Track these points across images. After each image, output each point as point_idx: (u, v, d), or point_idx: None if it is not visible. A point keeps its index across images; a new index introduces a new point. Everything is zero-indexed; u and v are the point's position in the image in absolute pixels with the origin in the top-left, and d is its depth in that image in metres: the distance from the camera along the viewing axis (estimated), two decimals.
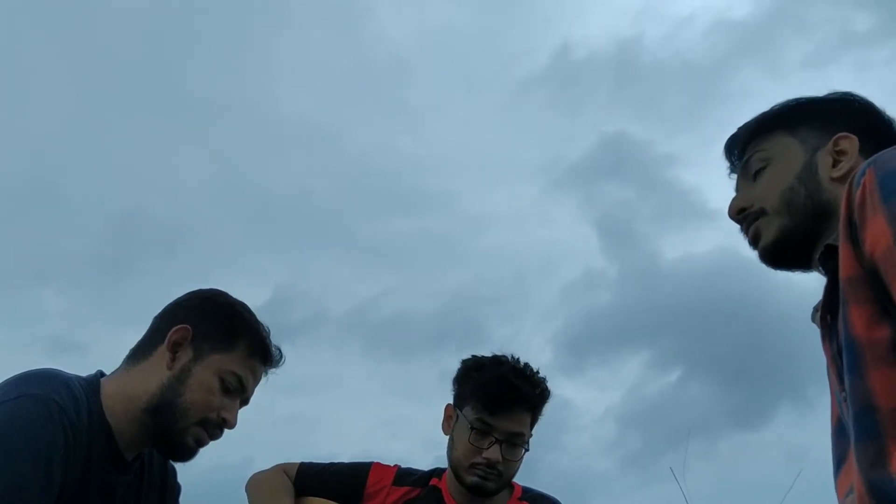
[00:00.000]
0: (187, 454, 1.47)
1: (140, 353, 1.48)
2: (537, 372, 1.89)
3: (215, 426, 1.47)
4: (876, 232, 0.88)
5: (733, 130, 1.30)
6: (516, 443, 1.83)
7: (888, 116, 1.22)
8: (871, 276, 0.89)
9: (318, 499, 1.90)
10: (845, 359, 0.92)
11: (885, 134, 1.19)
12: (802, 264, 1.18)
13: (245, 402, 1.54)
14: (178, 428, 1.43)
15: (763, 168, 1.22)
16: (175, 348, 1.45)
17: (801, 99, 1.25)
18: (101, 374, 1.49)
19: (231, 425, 1.49)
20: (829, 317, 1.03)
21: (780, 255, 1.18)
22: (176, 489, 1.64)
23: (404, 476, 1.95)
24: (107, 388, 1.44)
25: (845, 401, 0.94)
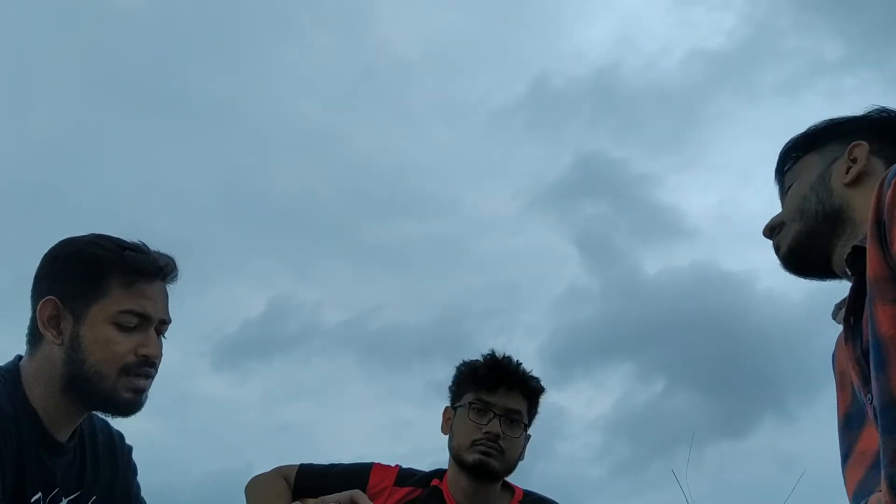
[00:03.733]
0: (130, 407, 1.40)
1: (32, 336, 1.40)
2: (531, 371, 1.98)
3: (141, 366, 1.38)
4: None
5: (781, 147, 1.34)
6: (514, 419, 1.90)
7: None
8: None
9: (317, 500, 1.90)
10: (872, 357, 0.93)
11: None
12: (822, 270, 1.21)
13: (163, 323, 1.44)
14: (104, 389, 1.36)
15: (790, 186, 1.27)
16: (53, 322, 1.37)
17: (832, 119, 1.29)
18: (20, 357, 1.42)
19: (154, 357, 1.39)
20: (852, 318, 1.04)
21: (797, 260, 1.23)
22: (131, 468, 1.58)
23: (406, 477, 1.95)
24: (24, 374, 1.38)
25: (871, 402, 0.94)
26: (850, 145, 1.20)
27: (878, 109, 1.28)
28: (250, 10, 10.05)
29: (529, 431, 1.97)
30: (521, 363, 1.96)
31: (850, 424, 1.09)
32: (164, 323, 1.44)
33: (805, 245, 1.20)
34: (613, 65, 9.91)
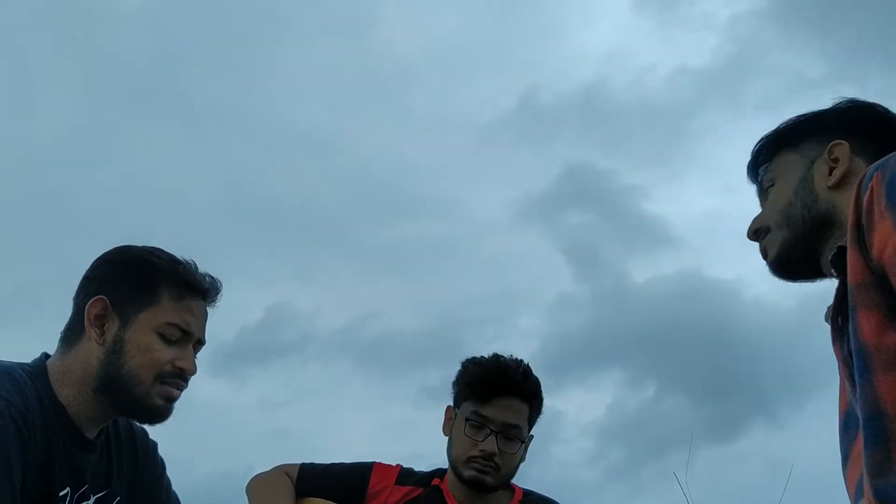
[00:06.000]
0: (160, 414, 1.42)
1: (71, 334, 1.42)
2: (535, 374, 1.93)
3: (174, 377, 1.41)
4: (883, 236, 0.88)
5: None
6: (512, 435, 1.85)
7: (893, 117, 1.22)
8: (880, 281, 0.89)
9: (319, 499, 1.91)
10: (856, 363, 0.92)
11: (885, 136, 1.19)
12: (811, 273, 1.20)
13: (199, 343, 1.47)
14: (139, 393, 1.38)
15: (770, 187, 1.25)
16: (99, 322, 1.39)
17: (802, 115, 1.27)
18: (46, 355, 1.43)
19: (190, 372, 1.43)
20: (839, 319, 1.03)
21: (785, 267, 1.21)
22: (157, 465, 1.60)
23: (407, 476, 1.96)
24: (53, 372, 1.39)
25: (859, 406, 0.92)
26: (830, 144, 1.18)
27: (849, 101, 1.25)
28: (252, 14, 10.08)
29: (532, 432, 1.94)
30: (523, 368, 1.91)
31: (848, 425, 1.06)
32: (201, 343, 1.47)
33: (793, 252, 1.19)
34: (601, 81, 10.07)
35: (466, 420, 1.86)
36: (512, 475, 1.90)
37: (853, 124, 1.21)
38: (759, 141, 1.30)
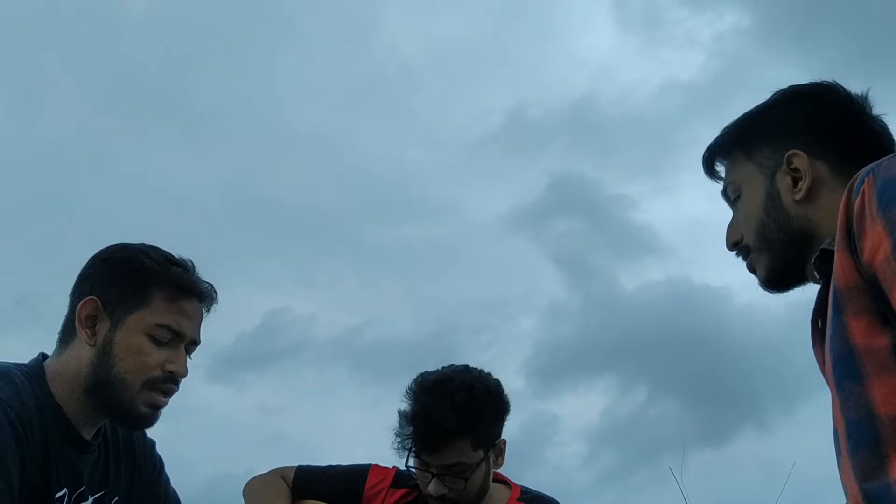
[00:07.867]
0: (144, 422, 1.42)
1: (65, 335, 1.41)
2: (479, 391, 1.81)
3: (165, 382, 1.39)
4: (874, 241, 0.87)
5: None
6: (455, 472, 1.79)
7: (840, 100, 1.19)
8: (871, 285, 0.89)
9: (315, 502, 1.90)
10: (842, 367, 0.91)
11: (838, 128, 1.16)
12: (802, 282, 1.19)
13: (193, 344, 1.45)
14: (125, 399, 1.37)
15: (738, 197, 1.22)
16: (90, 322, 1.38)
17: (748, 116, 1.24)
18: (43, 356, 1.43)
19: (180, 375, 1.41)
20: (820, 322, 1.02)
21: (777, 286, 1.21)
22: (155, 463, 1.60)
23: (403, 479, 1.95)
24: (49, 372, 1.38)
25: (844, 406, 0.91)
26: (788, 154, 1.14)
27: (791, 95, 1.21)
28: (255, 17, 10.12)
29: (504, 437, 1.88)
30: (462, 400, 1.77)
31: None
32: (195, 344, 1.46)
33: (781, 273, 1.18)
34: (590, 95, 10.19)
35: (411, 467, 1.84)
36: (479, 492, 1.85)
37: (803, 123, 1.17)
38: (712, 146, 1.27)
